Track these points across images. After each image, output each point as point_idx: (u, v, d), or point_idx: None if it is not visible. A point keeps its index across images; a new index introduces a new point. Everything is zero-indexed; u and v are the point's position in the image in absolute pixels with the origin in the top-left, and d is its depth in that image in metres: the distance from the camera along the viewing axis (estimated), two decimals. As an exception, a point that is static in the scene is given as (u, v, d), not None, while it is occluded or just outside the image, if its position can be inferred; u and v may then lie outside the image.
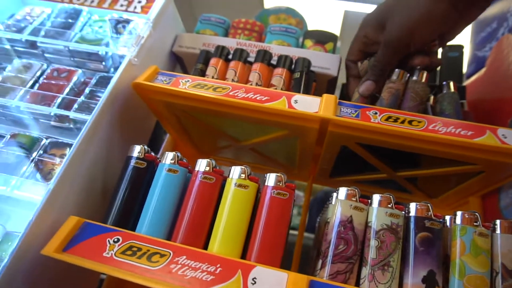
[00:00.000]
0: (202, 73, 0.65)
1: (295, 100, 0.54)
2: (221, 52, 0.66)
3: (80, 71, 0.65)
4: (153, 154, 0.54)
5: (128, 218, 0.50)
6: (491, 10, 0.84)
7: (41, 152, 0.56)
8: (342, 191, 0.48)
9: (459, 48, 0.71)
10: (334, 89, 0.75)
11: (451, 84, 0.60)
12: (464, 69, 0.82)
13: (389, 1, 0.57)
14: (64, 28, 0.68)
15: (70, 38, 0.66)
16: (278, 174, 0.48)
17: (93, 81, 0.64)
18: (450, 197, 0.71)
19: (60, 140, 0.58)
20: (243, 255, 0.46)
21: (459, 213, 0.45)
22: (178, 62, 0.81)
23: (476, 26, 0.91)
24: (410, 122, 0.51)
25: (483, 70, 0.81)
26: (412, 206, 0.46)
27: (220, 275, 0.41)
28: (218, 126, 0.67)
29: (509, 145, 0.49)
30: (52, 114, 0.59)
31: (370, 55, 0.62)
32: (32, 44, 0.68)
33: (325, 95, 0.54)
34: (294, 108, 0.53)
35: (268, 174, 0.49)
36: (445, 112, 0.58)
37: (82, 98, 0.60)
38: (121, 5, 0.69)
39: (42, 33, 0.67)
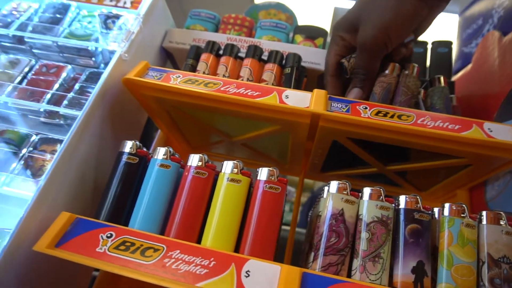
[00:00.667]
0: (193, 69, 0.65)
1: (286, 95, 0.54)
2: (212, 47, 0.66)
3: (69, 66, 0.64)
4: (145, 149, 0.54)
5: (121, 214, 0.50)
6: (477, 7, 0.86)
7: (30, 148, 0.56)
8: (334, 185, 0.49)
9: (448, 44, 0.73)
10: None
11: (442, 78, 0.61)
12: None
13: (360, 4, 0.57)
14: (52, 23, 0.67)
15: (58, 33, 0.65)
16: (270, 168, 0.49)
17: (83, 76, 0.63)
18: (438, 190, 0.73)
19: (50, 136, 0.57)
20: (236, 249, 0.46)
21: (447, 205, 0.46)
22: (168, 57, 0.81)
23: (463, 22, 0.92)
24: (399, 116, 0.52)
25: (469, 66, 0.83)
26: (402, 199, 0.47)
27: (213, 269, 0.42)
28: (210, 122, 0.67)
29: (495, 139, 0.50)
30: (41, 110, 0.58)
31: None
32: (20, 40, 0.67)
33: (315, 90, 0.55)
34: (285, 103, 0.53)
35: (260, 169, 0.49)
36: (435, 106, 0.59)
37: (72, 94, 0.59)
38: (111, 0, 0.69)
39: (30, 28, 0.66)
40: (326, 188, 0.50)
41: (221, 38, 0.73)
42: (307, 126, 0.56)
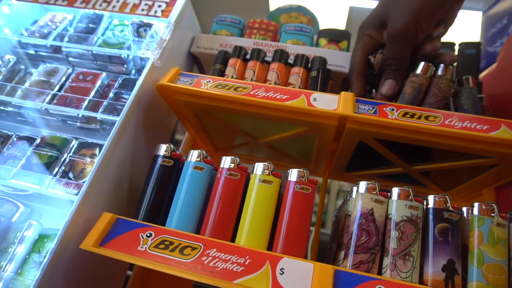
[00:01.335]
0: (221, 73, 0.67)
1: (314, 98, 0.56)
2: (239, 52, 0.68)
3: (104, 74, 0.68)
4: (178, 152, 0.56)
5: (158, 214, 0.53)
6: (502, 6, 0.85)
7: (71, 153, 0.59)
8: (363, 185, 0.50)
9: (476, 45, 0.72)
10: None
11: (470, 79, 0.61)
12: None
13: (384, 1, 0.58)
14: (87, 33, 0.70)
15: (93, 42, 0.68)
16: (301, 170, 0.50)
17: (117, 83, 0.66)
18: (464, 189, 0.73)
19: (89, 141, 0.61)
20: (269, 248, 0.48)
21: (476, 204, 0.47)
22: (195, 62, 0.83)
23: (487, 22, 0.92)
24: (426, 117, 0.53)
25: (494, 65, 0.82)
26: (431, 198, 0.48)
27: (249, 266, 0.44)
28: (237, 124, 0.69)
29: (524, 139, 0.50)
30: (80, 115, 0.61)
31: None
32: (56, 49, 0.70)
33: (343, 93, 0.56)
34: (313, 106, 0.55)
35: (290, 170, 0.51)
36: (463, 106, 0.59)
37: (108, 100, 0.63)
38: (142, 10, 0.72)
39: (66, 38, 0.69)
40: (354, 188, 0.51)
41: (247, 43, 0.75)
42: (334, 128, 0.57)
